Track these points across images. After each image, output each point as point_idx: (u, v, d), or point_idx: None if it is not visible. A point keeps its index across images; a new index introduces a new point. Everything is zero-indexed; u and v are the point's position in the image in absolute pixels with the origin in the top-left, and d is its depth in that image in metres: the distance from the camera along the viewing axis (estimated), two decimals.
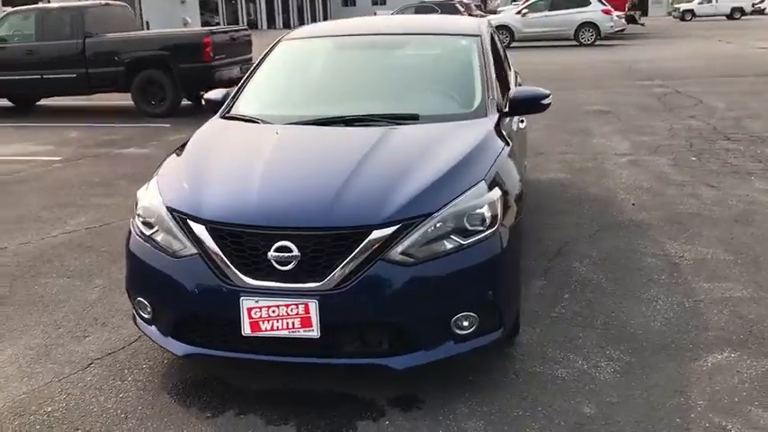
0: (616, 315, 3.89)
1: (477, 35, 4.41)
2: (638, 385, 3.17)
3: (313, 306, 2.84)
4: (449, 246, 2.95)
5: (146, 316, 3.23)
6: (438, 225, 2.94)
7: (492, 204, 3.07)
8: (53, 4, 13.27)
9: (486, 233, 3.02)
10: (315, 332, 2.87)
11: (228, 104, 4.18)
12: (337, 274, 2.85)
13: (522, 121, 4.70)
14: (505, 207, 3.18)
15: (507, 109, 4.02)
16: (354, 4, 62.82)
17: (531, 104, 4.06)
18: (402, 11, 31.10)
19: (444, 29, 4.68)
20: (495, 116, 3.81)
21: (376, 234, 2.87)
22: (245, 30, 13.37)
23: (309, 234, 2.89)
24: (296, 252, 2.87)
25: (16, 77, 12.36)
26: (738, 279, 4.33)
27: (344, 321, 2.91)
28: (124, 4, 13.43)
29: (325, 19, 63.11)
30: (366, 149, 3.34)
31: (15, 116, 12.82)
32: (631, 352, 3.48)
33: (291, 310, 2.86)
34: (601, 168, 7.29)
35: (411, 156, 3.32)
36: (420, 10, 30.38)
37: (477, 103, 3.88)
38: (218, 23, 46.63)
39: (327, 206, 2.95)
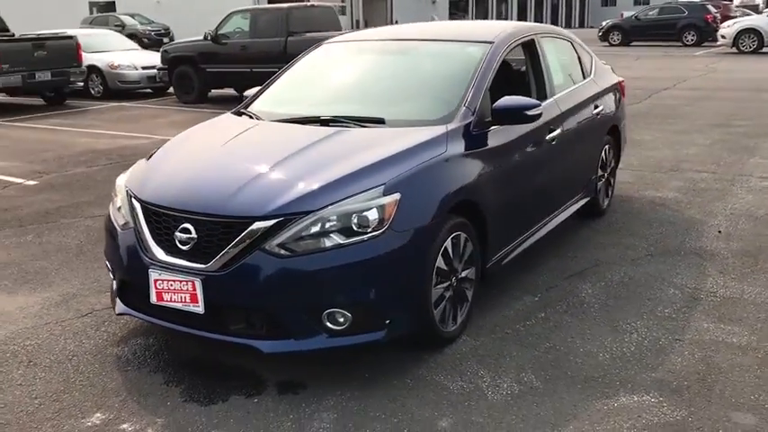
0: (572, 341, 3.68)
1: (489, 42, 4.35)
2: (518, 411, 3.05)
3: (198, 284, 3.17)
4: (328, 243, 3.10)
5: (111, 276, 3.77)
6: (319, 222, 3.10)
7: (381, 208, 3.15)
8: (265, 5, 14.73)
9: (370, 235, 3.11)
10: (200, 308, 3.20)
11: (248, 101, 4.61)
12: (221, 258, 3.14)
13: (551, 130, 4.53)
14: (410, 212, 3.23)
15: (490, 118, 3.96)
16: (614, 4, 60.23)
17: (513, 114, 3.95)
18: (644, 12, 29.45)
19: (460, 35, 4.65)
20: (460, 124, 3.78)
21: (257, 225, 3.11)
22: None
23: (205, 219, 3.21)
24: (194, 234, 3.22)
25: (233, 70, 13.96)
26: (753, 326, 3.82)
27: (224, 302, 3.20)
28: (329, 5, 14.51)
29: (582, 19, 61.35)
30: (299, 148, 3.58)
31: (235, 104, 14.49)
32: (547, 379, 3.31)
33: (183, 286, 3.21)
34: (725, 191, 6.58)
35: (333, 156, 3.49)
36: (665, 11, 28.52)
37: (448, 110, 3.88)
38: None
39: (226, 196, 3.25)
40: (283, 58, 13.18)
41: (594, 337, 3.71)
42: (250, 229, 3.11)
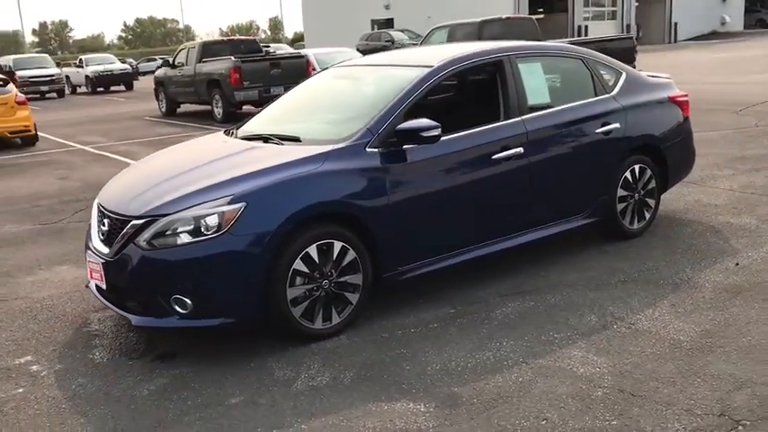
0: (427, 351, 3.87)
1: (427, 67, 4.61)
2: (300, 400, 3.43)
3: (101, 266, 4.05)
4: (179, 241, 3.78)
5: None
6: (173, 224, 3.79)
7: (222, 215, 3.74)
8: (465, 20, 15.31)
9: (210, 237, 3.73)
10: (104, 285, 4.09)
11: (247, 119, 5.39)
12: (114, 247, 4.00)
13: (505, 149, 4.63)
14: (254, 219, 3.76)
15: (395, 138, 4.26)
16: None
17: (411, 135, 4.20)
18: None
19: (409, 61, 4.92)
20: (353, 143, 4.17)
21: (133, 223, 3.90)
22: (627, 38, 13.19)
23: (113, 216, 4.10)
24: (107, 227, 4.12)
25: None
26: (624, 360, 3.65)
27: (114, 281, 4.03)
28: (529, 17, 14.62)
29: None
30: (207, 161, 4.31)
31: None
32: (361, 379, 3.61)
33: (95, 267, 4.12)
34: None
35: (222, 169, 4.14)
36: None
37: (352, 131, 4.27)
38: None
39: (128, 200, 4.10)
40: None
41: (450, 351, 3.86)
42: (129, 225, 3.92)
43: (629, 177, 5.47)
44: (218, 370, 3.81)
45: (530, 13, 29.86)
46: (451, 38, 14.54)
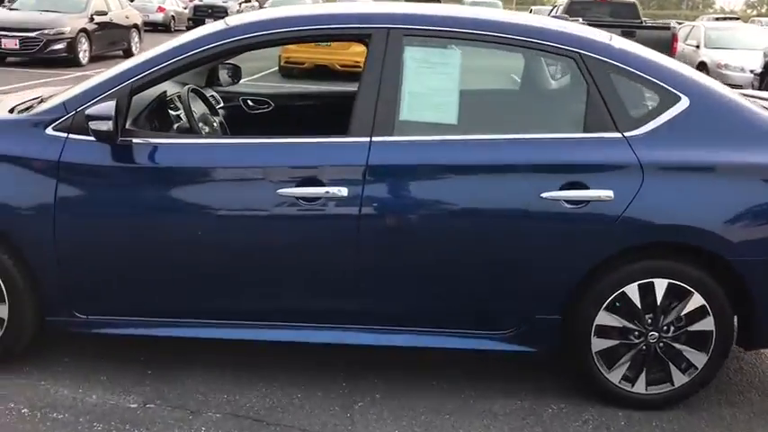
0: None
1: (225, 25, 2.97)
2: None
3: None
4: None
5: None
6: None
7: None
8: None
9: None
10: None
11: None
12: None
13: (317, 184, 2.75)
14: None
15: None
16: None
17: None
18: None
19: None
20: (25, 119, 2.93)
21: None
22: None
23: None
24: None
25: None
26: None
27: None
28: None
29: None
30: None
31: None
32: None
33: None
34: None
35: None
36: None
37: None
38: None
39: None
40: None
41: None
42: None
43: (635, 298, 2.83)
44: None
45: None
46: None
